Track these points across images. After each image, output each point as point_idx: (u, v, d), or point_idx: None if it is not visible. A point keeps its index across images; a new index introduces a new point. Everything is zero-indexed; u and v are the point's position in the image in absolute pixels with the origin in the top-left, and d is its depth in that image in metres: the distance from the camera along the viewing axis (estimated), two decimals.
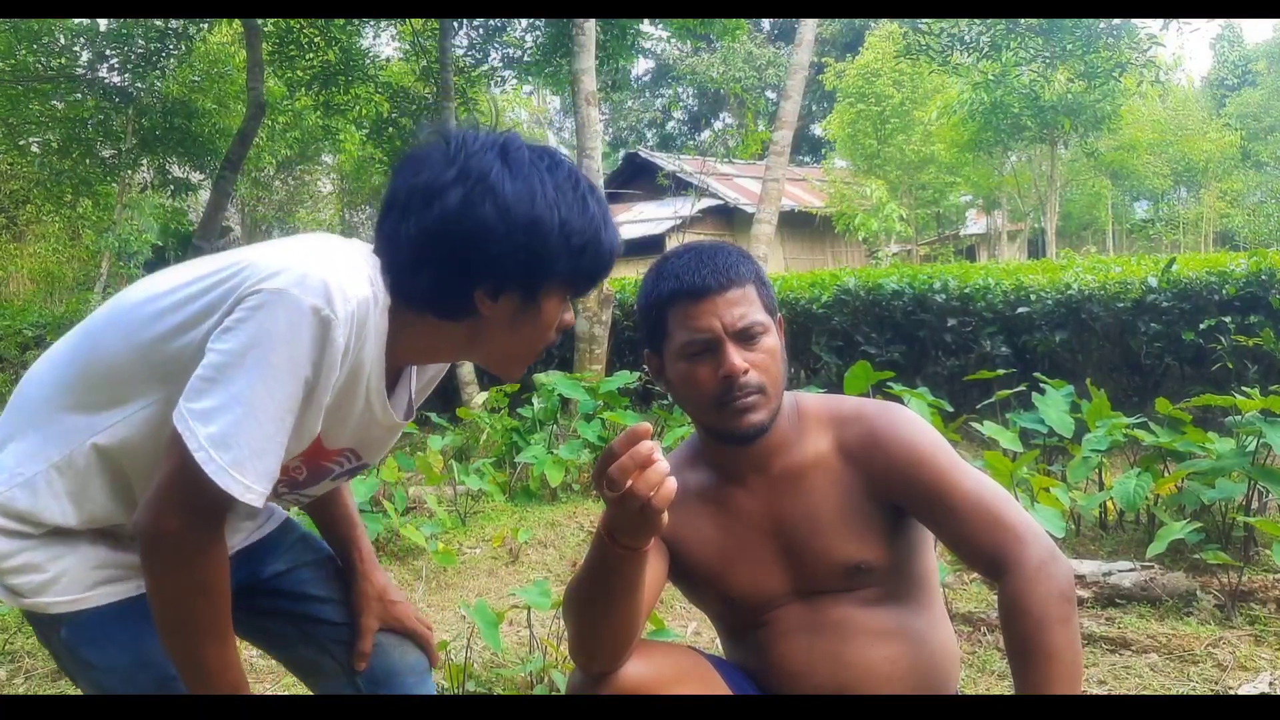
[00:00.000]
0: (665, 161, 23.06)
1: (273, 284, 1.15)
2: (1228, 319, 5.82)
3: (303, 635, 1.55)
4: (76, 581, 1.28)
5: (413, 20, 11.21)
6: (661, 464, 1.16)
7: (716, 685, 1.52)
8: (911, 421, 1.52)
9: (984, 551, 1.42)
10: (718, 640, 1.77)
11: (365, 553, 1.64)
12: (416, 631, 1.64)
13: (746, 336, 1.45)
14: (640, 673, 1.43)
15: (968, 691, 2.65)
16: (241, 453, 1.13)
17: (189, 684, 1.25)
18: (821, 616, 1.52)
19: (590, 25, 7.42)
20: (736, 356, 1.44)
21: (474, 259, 1.18)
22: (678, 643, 1.75)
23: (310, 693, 1.66)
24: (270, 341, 1.14)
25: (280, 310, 1.14)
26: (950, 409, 5.00)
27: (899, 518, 1.53)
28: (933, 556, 1.63)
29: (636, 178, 26.54)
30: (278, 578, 1.55)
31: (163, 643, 1.23)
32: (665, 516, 1.23)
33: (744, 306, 1.46)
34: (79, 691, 1.38)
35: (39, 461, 1.25)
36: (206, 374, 1.15)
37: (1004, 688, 2.66)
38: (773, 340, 1.49)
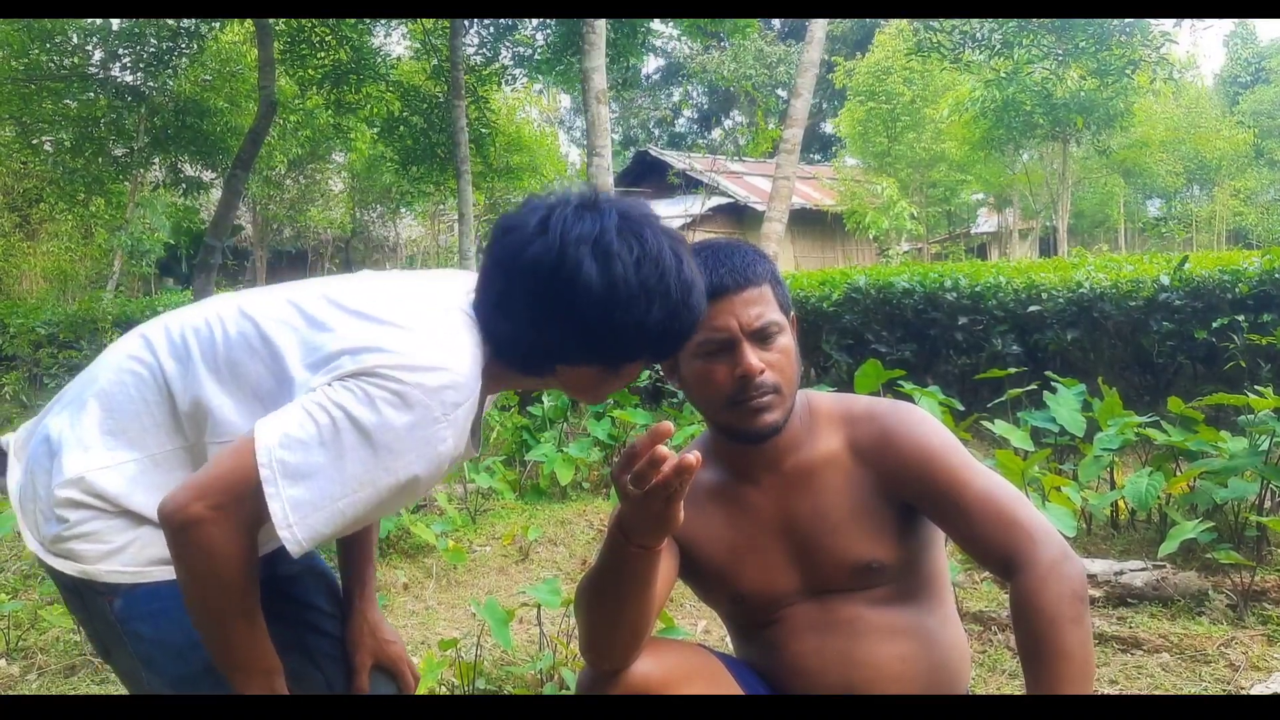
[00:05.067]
0: (675, 159, 23.06)
1: (405, 377, 1.20)
2: (1240, 318, 5.79)
3: (298, 642, 1.55)
4: (140, 556, 1.31)
5: (424, 19, 11.22)
6: (688, 455, 1.17)
7: (726, 683, 1.52)
8: (923, 420, 1.52)
9: (996, 551, 1.41)
10: (728, 638, 1.77)
11: (369, 590, 1.67)
12: (404, 677, 1.69)
13: (763, 336, 1.46)
14: (650, 670, 1.44)
15: (978, 691, 2.65)
16: (305, 495, 1.17)
17: (222, 668, 1.27)
18: (832, 615, 1.52)
19: (601, 24, 7.42)
20: (753, 356, 1.44)
21: (555, 347, 1.30)
22: (688, 640, 1.75)
23: None
24: (383, 429, 1.19)
25: (403, 404, 1.19)
26: (961, 408, 4.99)
27: (910, 517, 1.53)
28: (943, 555, 1.63)
29: (647, 176, 26.52)
30: (289, 581, 1.57)
31: (195, 628, 1.25)
32: (681, 516, 1.23)
33: (760, 306, 1.47)
34: (91, 689, 1.39)
35: (136, 449, 1.30)
36: (310, 411, 1.19)
37: (1015, 687, 2.65)
38: (788, 340, 1.50)
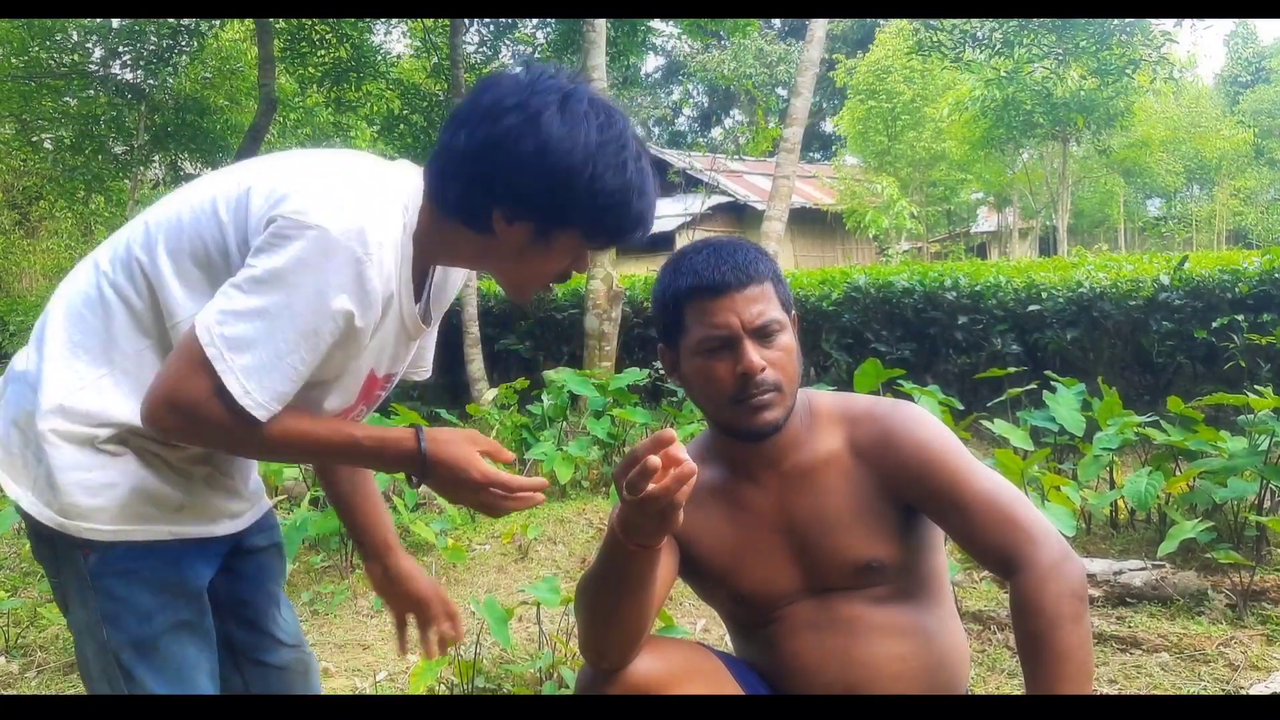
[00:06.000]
0: (675, 158, 23.02)
1: (313, 218, 1.21)
2: (1240, 317, 5.80)
3: (225, 640, 1.54)
4: (122, 513, 1.32)
5: (424, 18, 11.21)
6: (687, 465, 1.17)
7: (726, 682, 1.52)
8: (923, 420, 1.52)
9: (996, 550, 1.42)
10: (727, 637, 1.77)
11: (387, 539, 1.71)
12: (436, 622, 1.72)
13: (764, 334, 1.46)
14: (650, 669, 1.44)
15: (977, 690, 2.65)
16: (253, 361, 1.20)
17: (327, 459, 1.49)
18: (832, 614, 1.52)
19: (601, 22, 7.42)
20: (754, 354, 1.44)
21: (500, 184, 1.26)
22: (688, 639, 1.75)
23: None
24: (305, 271, 1.20)
25: (319, 245, 1.21)
26: (961, 407, 4.98)
27: (910, 516, 1.52)
28: (943, 555, 1.63)
29: None
30: (255, 553, 1.58)
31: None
32: (680, 516, 1.23)
33: (762, 304, 1.46)
34: (82, 689, 1.39)
35: (105, 362, 1.31)
36: (237, 283, 1.22)
37: (1014, 686, 2.65)
38: (789, 338, 1.49)
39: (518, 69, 1.32)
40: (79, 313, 1.34)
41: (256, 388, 1.20)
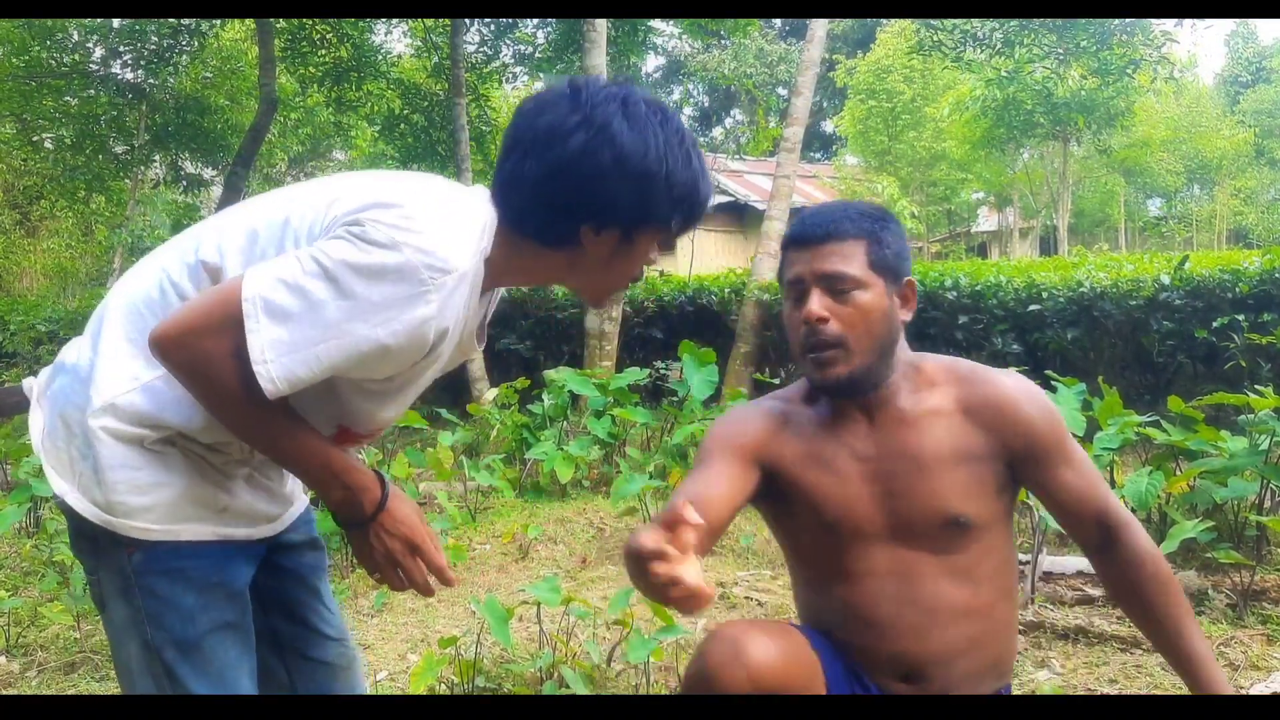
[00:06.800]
0: None
1: (400, 236, 1.20)
2: (1241, 317, 5.80)
3: (270, 634, 1.54)
4: (169, 513, 1.32)
5: (424, 18, 11.22)
6: (687, 582, 1.14)
7: (812, 663, 1.51)
8: (1035, 387, 1.61)
9: (1100, 508, 1.56)
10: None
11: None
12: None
13: (834, 288, 1.50)
14: (772, 661, 1.41)
15: None
16: (284, 336, 1.19)
17: (299, 476, 1.39)
18: (909, 578, 1.53)
19: (601, 22, 7.42)
20: (816, 303, 1.49)
21: (586, 200, 1.29)
22: (789, 625, 1.70)
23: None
24: (371, 283, 1.20)
25: (394, 266, 1.20)
26: None
27: (1005, 482, 1.56)
28: (1014, 549, 1.65)
29: None
30: (294, 549, 1.58)
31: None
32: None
33: (839, 259, 1.51)
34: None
35: (156, 366, 1.29)
36: (302, 258, 1.21)
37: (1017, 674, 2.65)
38: (869, 297, 1.51)
39: (560, 85, 1.34)
40: (139, 311, 1.33)
41: (275, 361, 1.19)
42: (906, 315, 1.57)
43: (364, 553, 1.38)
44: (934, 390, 1.58)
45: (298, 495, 1.57)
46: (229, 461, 1.38)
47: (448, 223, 1.26)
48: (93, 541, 1.35)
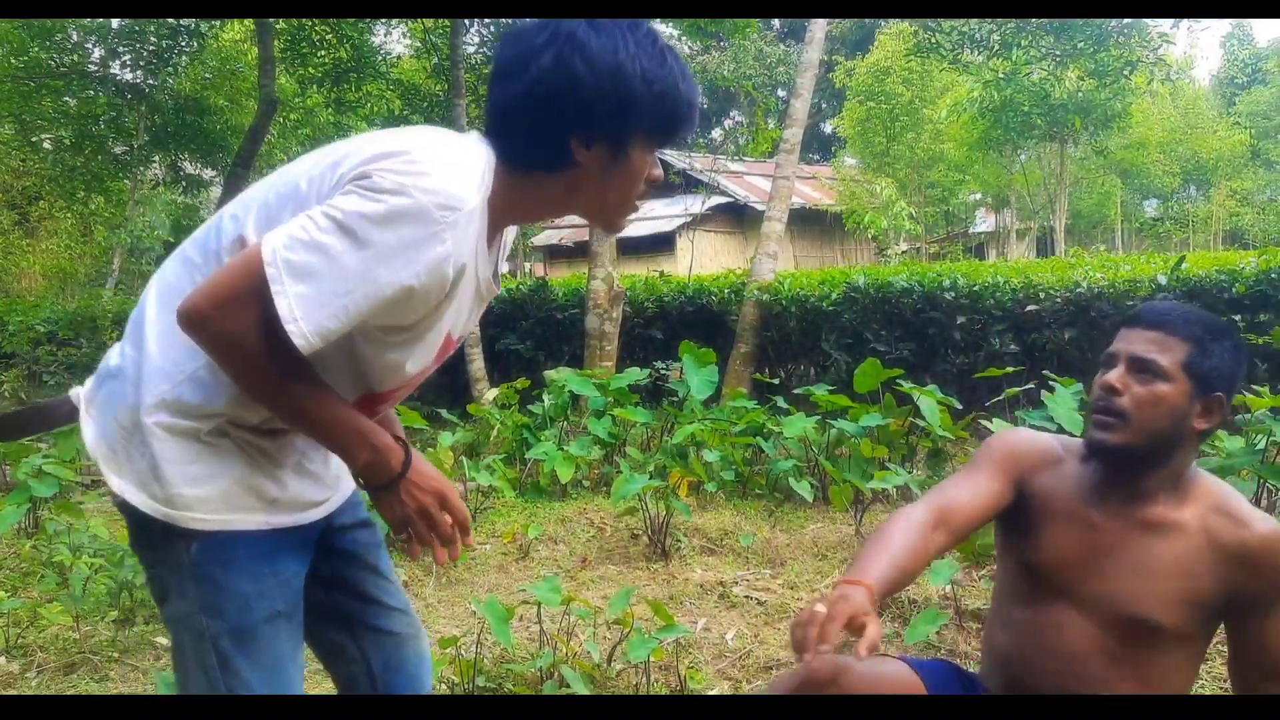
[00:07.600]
0: (676, 159, 23.02)
1: (405, 180, 1.23)
2: (1237, 317, 5.81)
3: (338, 612, 1.60)
4: (224, 503, 1.35)
5: (424, 18, 11.23)
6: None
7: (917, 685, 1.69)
8: None
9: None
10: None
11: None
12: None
13: (1140, 370, 1.61)
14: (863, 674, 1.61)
15: None
16: (310, 292, 1.21)
17: (327, 446, 1.38)
18: (1083, 647, 1.63)
19: None
20: (1117, 376, 1.62)
21: (567, 108, 1.31)
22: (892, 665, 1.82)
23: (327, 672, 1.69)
24: (384, 229, 1.22)
25: (404, 209, 1.22)
26: (959, 406, 5.00)
27: (1216, 614, 1.62)
28: (1196, 670, 1.72)
29: None
30: (346, 530, 1.61)
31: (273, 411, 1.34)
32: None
33: (1155, 348, 1.62)
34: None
35: (197, 355, 1.31)
36: (314, 216, 1.23)
37: None
38: (1167, 389, 1.60)
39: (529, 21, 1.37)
40: (172, 305, 1.33)
41: (305, 318, 1.21)
42: (1202, 424, 1.63)
43: (393, 513, 1.41)
44: (1192, 505, 1.63)
45: (344, 479, 1.60)
46: (282, 446, 1.41)
47: (451, 162, 1.29)
48: (152, 536, 1.38)
